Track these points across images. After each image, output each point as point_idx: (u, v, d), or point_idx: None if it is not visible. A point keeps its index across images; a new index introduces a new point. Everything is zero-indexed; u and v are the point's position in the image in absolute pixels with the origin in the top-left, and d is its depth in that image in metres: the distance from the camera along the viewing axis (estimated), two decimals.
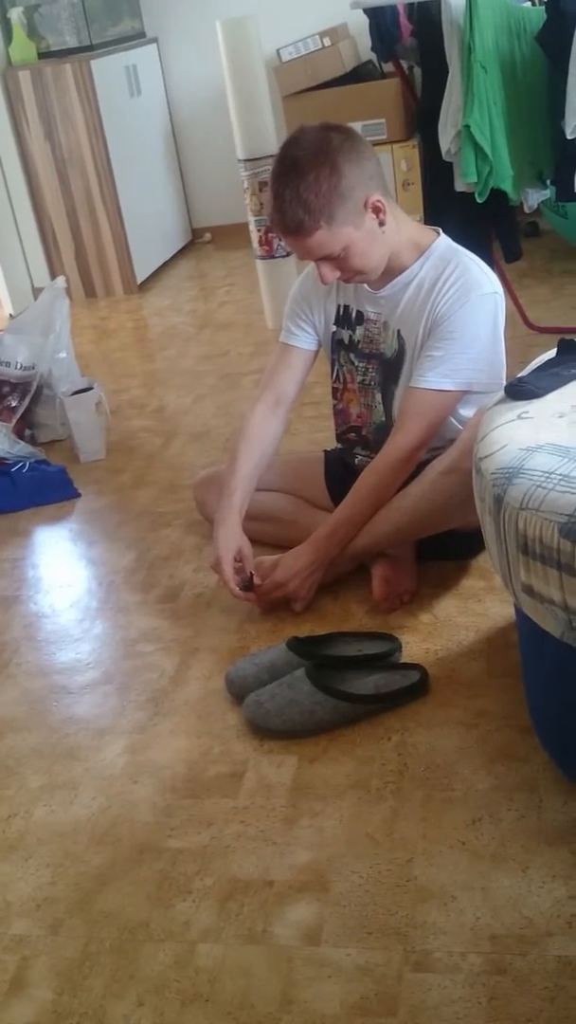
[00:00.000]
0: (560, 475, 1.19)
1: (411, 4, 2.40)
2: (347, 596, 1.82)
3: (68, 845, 1.38)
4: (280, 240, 1.73)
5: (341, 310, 1.86)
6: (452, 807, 1.33)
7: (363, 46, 4.05)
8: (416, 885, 1.22)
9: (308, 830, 1.33)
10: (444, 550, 1.83)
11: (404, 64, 2.90)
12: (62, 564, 2.16)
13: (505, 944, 1.13)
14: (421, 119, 2.58)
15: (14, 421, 2.65)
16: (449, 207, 2.48)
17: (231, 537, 1.80)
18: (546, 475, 1.20)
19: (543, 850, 1.24)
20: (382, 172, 1.68)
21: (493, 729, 1.45)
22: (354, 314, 1.84)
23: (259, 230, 3.25)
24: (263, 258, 3.30)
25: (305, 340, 1.90)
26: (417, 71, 2.66)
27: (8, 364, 2.71)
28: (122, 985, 1.17)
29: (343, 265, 1.66)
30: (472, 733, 1.45)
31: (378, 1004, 1.09)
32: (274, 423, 1.89)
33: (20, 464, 2.43)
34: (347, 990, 1.11)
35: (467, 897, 1.20)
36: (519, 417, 1.36)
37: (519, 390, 1.42)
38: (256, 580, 1.77)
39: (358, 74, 4.01)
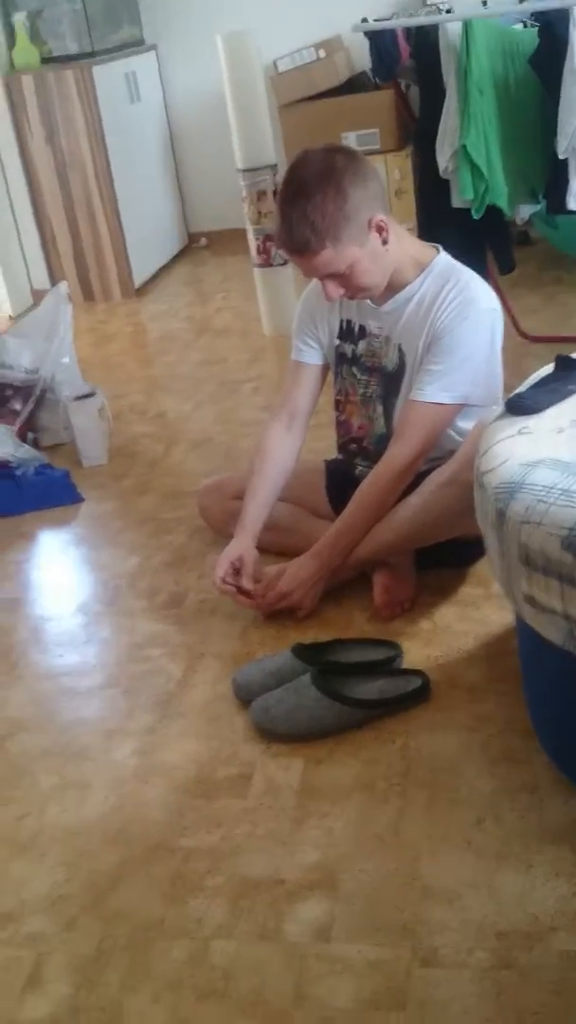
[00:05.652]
0: (560, 490, 1.24)
1: (409, 28, 2.45)
2: (349, 603, 1.87)
3: (81, 844, 1.42)
4: (285, 256, 1.77)
5: (344, 324, 1.90)
6: (456, 808, 1.37)
7: (357, 58, 4.11)
8: (423, 883, 1.27)
9: (316, 830, 1.38)
10: (443, 558, 1.88)
11: (402, 83, 2.96)
12: (66, 568, 2.20)
13: (511, 940, 1.18)
14: (418, 137, 2.63)
15: (18, 424, 2.67)
16: (445, 222, 2.53)
17: (238, 544, 1.85)
18: (547, 490, 1.25)
19: (545, 848, 1.29)
20: (384, 192, 1.73)
21: (494, 732, 1.50)
22: (357, 328, 1.88)
23: (257, 239, 3.29)
24: (260, 266, 3.34)
25: (313, 355, 1.94)
26: (414, 90, 2.71)
27: (11, 367, 2.73)
28: (138, 981, 1.20)
29: (348, 283, 1.70)
30: (474, 737, 1.50)
31: (388, 999, 1.13)
32: (290, 439, 1.95)
33: (24, 468, 2.46)
34: (358, 985, 1.15)
35: (473, 895, 1.24)
36: (519, 432, 1.40)
37: (519, 405, 1.47)
38: (246, 585, 1.82)
39: (352, 85, 4.07)
